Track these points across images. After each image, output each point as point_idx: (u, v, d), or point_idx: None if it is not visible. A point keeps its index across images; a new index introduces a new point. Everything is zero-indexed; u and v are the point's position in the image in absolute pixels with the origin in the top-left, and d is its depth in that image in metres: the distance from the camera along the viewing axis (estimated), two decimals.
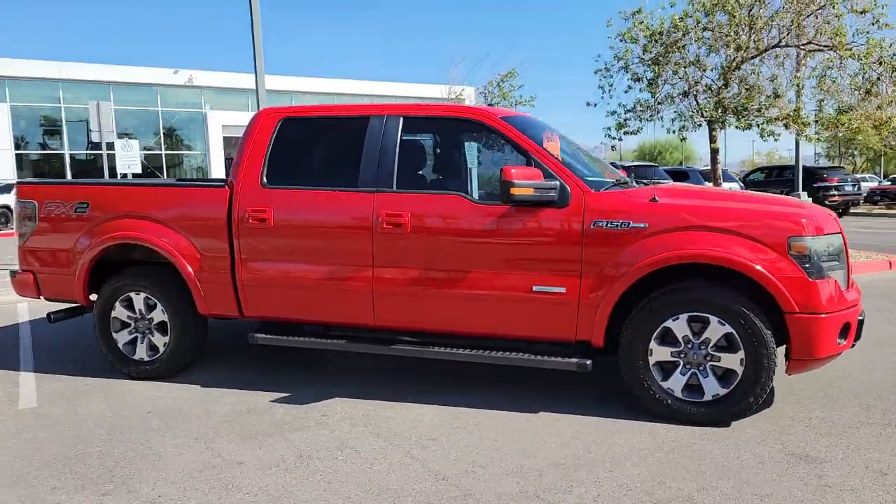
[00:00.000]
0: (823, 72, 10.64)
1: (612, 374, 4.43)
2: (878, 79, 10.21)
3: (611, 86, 13.30)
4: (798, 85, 10.86)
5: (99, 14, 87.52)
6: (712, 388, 3.96)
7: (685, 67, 11.29)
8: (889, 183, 35.25)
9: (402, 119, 4.52)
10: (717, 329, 3.91)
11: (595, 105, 13.68)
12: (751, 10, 10.47)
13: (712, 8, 11.10)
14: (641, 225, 3.97)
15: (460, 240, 4.29)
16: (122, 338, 5.15)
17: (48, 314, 5.46)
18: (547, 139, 4.54)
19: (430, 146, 4.80)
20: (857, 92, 10.74)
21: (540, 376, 4.92)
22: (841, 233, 4.05)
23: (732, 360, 3.91)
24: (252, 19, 10.95)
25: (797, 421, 4.01)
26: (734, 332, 3.87)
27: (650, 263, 3.91)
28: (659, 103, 12.08)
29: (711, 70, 11.32)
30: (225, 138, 34.42)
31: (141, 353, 5.11)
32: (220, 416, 4.31)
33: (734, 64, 11.07)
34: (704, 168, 24.45)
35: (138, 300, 5.07)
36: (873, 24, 9.79)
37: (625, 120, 12.80)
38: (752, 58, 10.85)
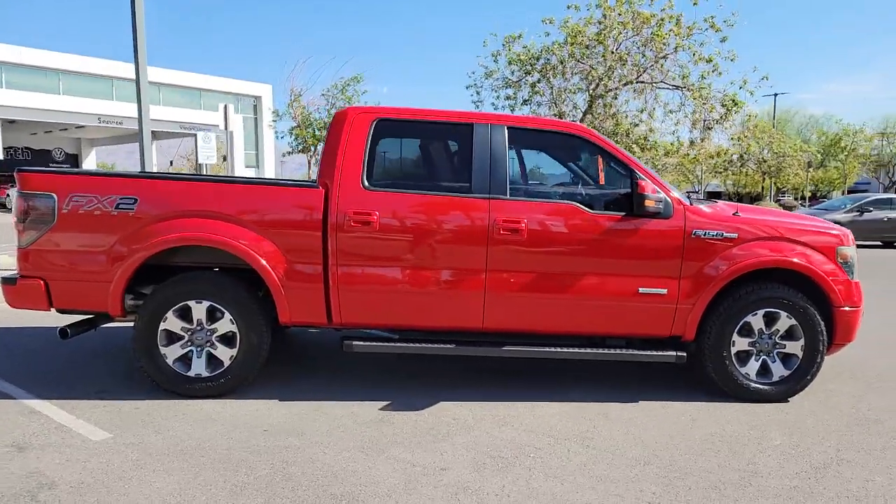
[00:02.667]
0: (679, 107, 12.63)
1: (645, 365, 5.07)
2: (722, 117, 12.42)
3: (481, 101, 14.24)
4: (650, 116, 12.77)
5: None
6: (779, 370, 4.79)
7: (569, 93, 12.58)
8: None
9: (506, 129, 4.71)
10: (784, 322, 4.75)
11: None
12: (617, 47, 12.09)
13: (574, 39, 12.54)
14: (733, 235, 4.67)
15: (575, 246, 4.60)
16: (172, 352, 4.56)
17: (63, 329, 4.59)
18: None
19: (534, 156, 5.00)
20: (694, 127, 12.93)
21: (589, 370, 5.40)
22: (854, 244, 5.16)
23: (795, 347, 4.77)
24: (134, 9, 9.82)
25: (830, 393, 5.00)
26: (798, 323, 4.73)
27: (743, 267, 4.61)
28: None
29: (596, 97, 12.75)
30: None
31: (198, 368, 4.57)
32: (352, 427, 4.10)
33: (597, 93, 12.63)
34: None
35: (199, 309, 4.53)
36: (713, 72, 11.91)
37: None
38: (614, 90, 12.50)
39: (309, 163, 19.94)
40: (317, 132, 19.09)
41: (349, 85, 19.30)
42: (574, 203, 4.64)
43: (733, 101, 12.12)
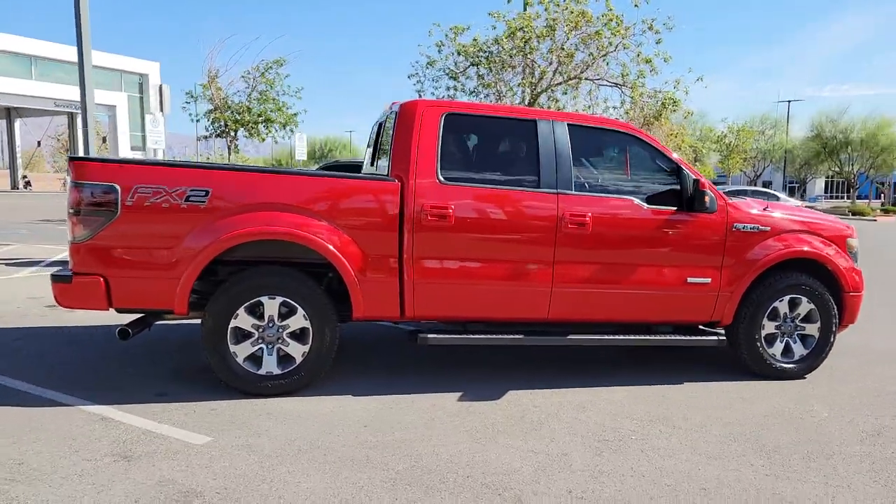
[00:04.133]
0: (620, 104, 13.28)
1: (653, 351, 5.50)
2: (658, 113, 13.19)
3: (422, 90, 14.30)
4: (585, 111, 13.36)
5: None
6: (799, 350, 5.32)
7: (518, 86, 12.88)
8: None
9: (567, 126, 4.89)
10: (805, 306, 5.27)
11: None
12: (566, 42, 12.55)
13: (514, 34, 12.91)
14: (766, 228, 5.12)
15: (633, 239, 4.87)
16: (242, 351, 4.40)
17: (123, 329, 4.30)
18: None
19: (592, 153, 5.16)
20: (632, 122, 13.65)
21: (617, 357, 5.74)
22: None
23: (813, 329, 5.31)
24: None
25: (834, 370, 5.58)
26: (816, 307, 5.27)
27: (777, 257, 5.07)
28: None
29: (540, 92, 13.12)
30: None
31: (269, 366, 4.44)
32: (446, 419, 4.17)
33: (540, 88, 13.06)
34: None
35: (271, 305, 4.39)
36: (651, 72, 12.66)
37: None
38: (557, 84, 12.97)
39: (229, 148, 19.10)
40: (238, 116, 18.30)
41: (270, 68, 18.59)
42: (631, 198, 4.90)
43: (672, 100, 13.03)
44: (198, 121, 19.01)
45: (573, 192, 4.77)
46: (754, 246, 5.09)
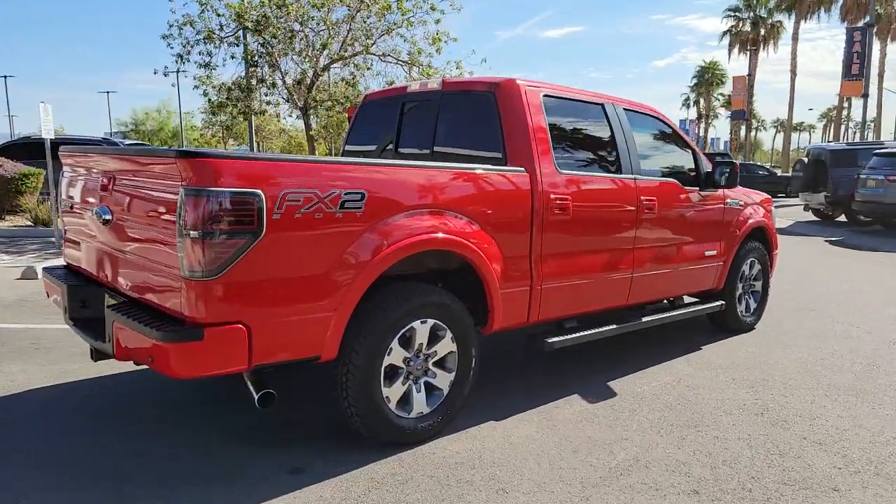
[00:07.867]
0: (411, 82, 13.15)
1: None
2: None
3: (179, 55, 12.39)
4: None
5: None
6: (753, 304, 6.26)
7: (301, 56, 11.90)
8: None
9: (623, 109, 4.89)
10: (756, 267, 6.21)
11: (166, 73, 12.39)
12: (354, 19, 11.94)
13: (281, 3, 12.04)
14: (741, 203, 5.86)
15: (679, 219, 5.13)
16: (394, 393, 3.49)
17: (268, 394, 3.03)
18: None
19: (639, 137, 5.03)
20: None
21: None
22: None
23: (758, 286, 6.30)
24: None
25: (769, 323, 6.65)
26: (762, 268, 6.25)
27: (750, 227, 5.88)
28: (260, 81, 12.16)
29: (324, 68, 12.29)
30: None
31: (420, 405, 3.60)
32: (609, 422, 3.93)
33: (324, 61, 12.31)
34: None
35: (422, 331, 3.55)
36: (437, 52, 12.92)
37: (218, 103, 12.14)
38: (349, 57, 12.33)
39: None
40: None
41: None
42: (674, 180, 5.13)
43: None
44: None
45: (642, 176, 4.81)
46: (736, 218, 5.79)
